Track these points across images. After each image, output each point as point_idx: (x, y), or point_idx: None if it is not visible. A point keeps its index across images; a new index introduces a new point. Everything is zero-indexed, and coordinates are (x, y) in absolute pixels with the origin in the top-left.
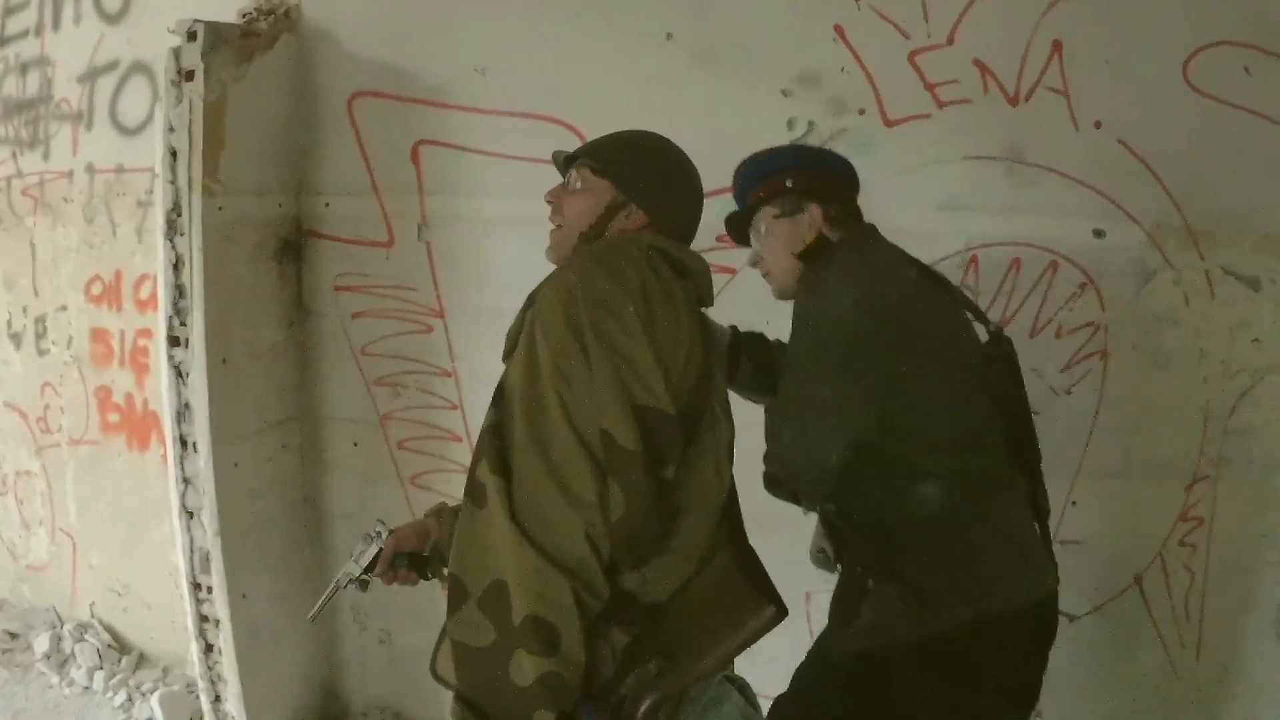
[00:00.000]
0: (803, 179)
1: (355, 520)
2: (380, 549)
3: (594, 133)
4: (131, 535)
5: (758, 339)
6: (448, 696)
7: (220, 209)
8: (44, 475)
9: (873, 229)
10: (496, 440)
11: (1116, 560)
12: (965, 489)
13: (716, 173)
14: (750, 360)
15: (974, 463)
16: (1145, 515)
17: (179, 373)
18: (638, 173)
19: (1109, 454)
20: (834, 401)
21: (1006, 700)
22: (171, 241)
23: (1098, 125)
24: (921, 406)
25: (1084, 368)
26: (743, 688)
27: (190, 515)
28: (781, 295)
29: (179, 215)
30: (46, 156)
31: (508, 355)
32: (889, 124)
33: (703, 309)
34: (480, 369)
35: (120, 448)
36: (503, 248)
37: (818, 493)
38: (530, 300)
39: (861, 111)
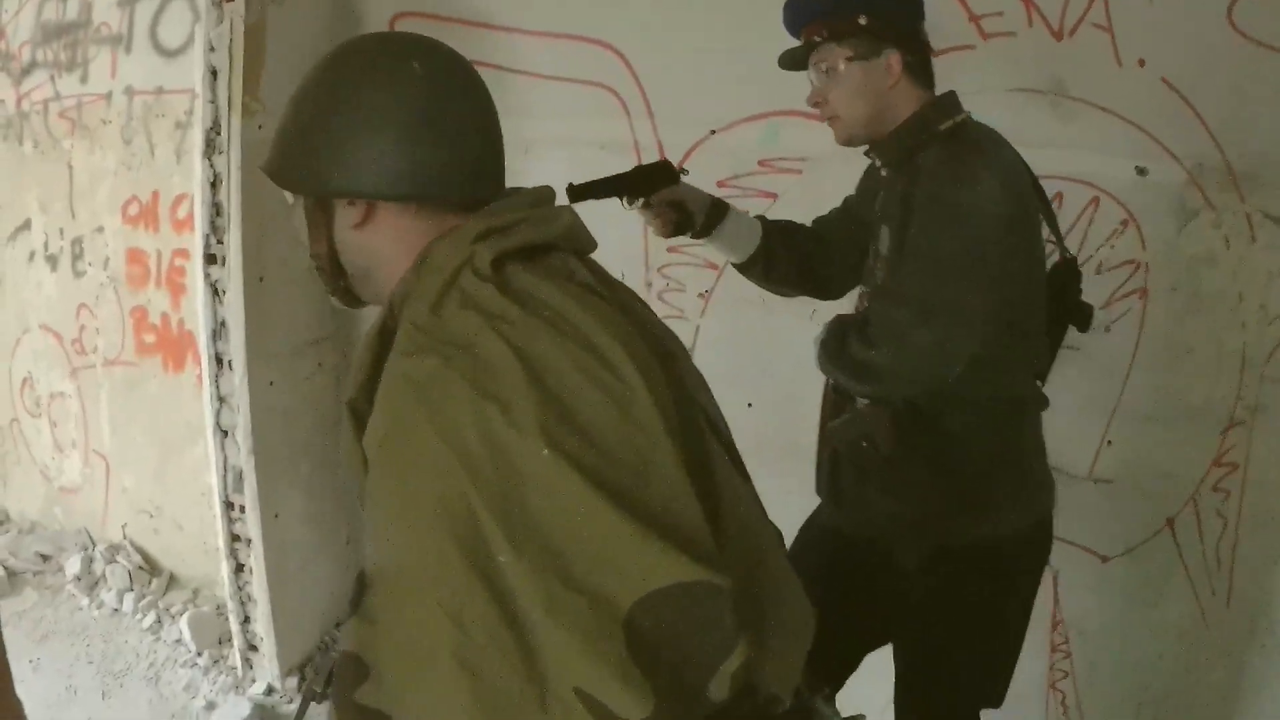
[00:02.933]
0: (878, 19)
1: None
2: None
3: (636, 55)
4: (165, 457)
5: (788, 230)
6: None
7: (259, 128)
8: (78, 397)
9: (955, 97)
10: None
11: (1149, 502)
12: (1025, 403)
13: (758, 100)
14: (785, 257)
15: (1030, 380)
16: (1179, 458)
17: (215, 291)
18: (321, 147)
19: (1146, 394)
20: (981, 317)
21: (1023, 612)
22: (210, 160)
23: (1141, 63)
24: (1025, 320)
25: (1124, 306)
26: None
27: (224, 434)
28: (847, 142)
29: (218, 134)
30: (85, 80)
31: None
32: (932, 55)
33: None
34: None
35: (155, 369)
36: (543, 168)
37: (913, 393)
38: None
39: None
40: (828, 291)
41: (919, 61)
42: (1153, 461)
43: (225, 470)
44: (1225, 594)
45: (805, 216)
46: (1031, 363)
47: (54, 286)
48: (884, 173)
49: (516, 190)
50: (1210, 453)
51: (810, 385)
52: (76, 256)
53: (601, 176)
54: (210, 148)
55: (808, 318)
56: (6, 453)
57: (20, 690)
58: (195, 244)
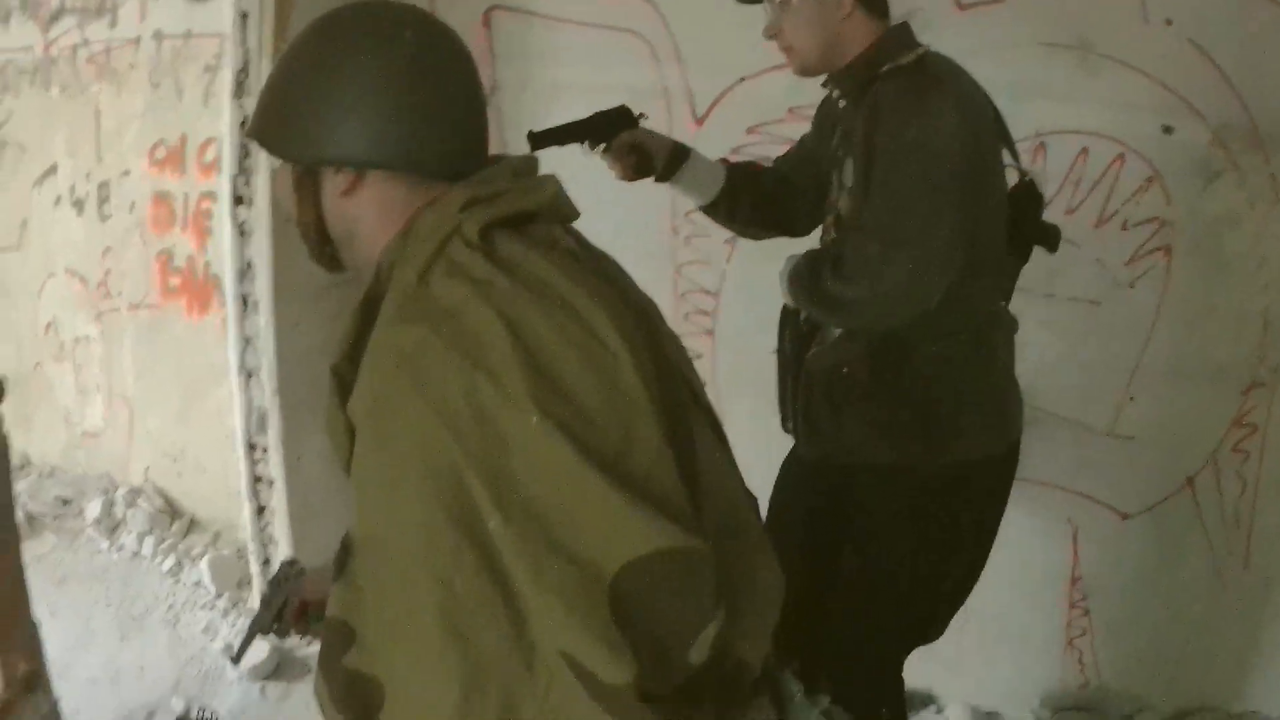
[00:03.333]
0: None
1: None
2: (286, 598)
3: (667, 1)
4: (188, 400)
5: (750, 172)
6: None
7: None
8: (102, 341)
9: (910, 28)
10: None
11: (1170, 460)
12: (996, 327)
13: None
14: (750, 195)
15: (997, 303)
16: (1200, 417)
17: (242, 231)
18: (308, 116)
19: (1168, 351)
20: (947, 246)
21: (982, 537)
22: (239, 102)
23: (1168, 23)
24: (985, 247)
25: (1148, 263)
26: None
27: (249, 375)
28: (802, 73)
29: (247, 76)
30: (113, 24)
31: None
32: (961, 8)
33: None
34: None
35: (179, 313)
36: (571, 114)
37: (890, 325)
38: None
39: None
40: (794, 230)
41: None
42: (1174, 419)
43: (249, 412)
44: (1243, 555)
45: None
46: (998, 287)
47: (80, 230)
48: (841, 104)
49: (500, 158)
50: (1231, 413)
51: None
52: (103, 200)
53: (560, 124)
54: (240, 90)
55: None
56: (29, 397)
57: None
58: (223, 186)
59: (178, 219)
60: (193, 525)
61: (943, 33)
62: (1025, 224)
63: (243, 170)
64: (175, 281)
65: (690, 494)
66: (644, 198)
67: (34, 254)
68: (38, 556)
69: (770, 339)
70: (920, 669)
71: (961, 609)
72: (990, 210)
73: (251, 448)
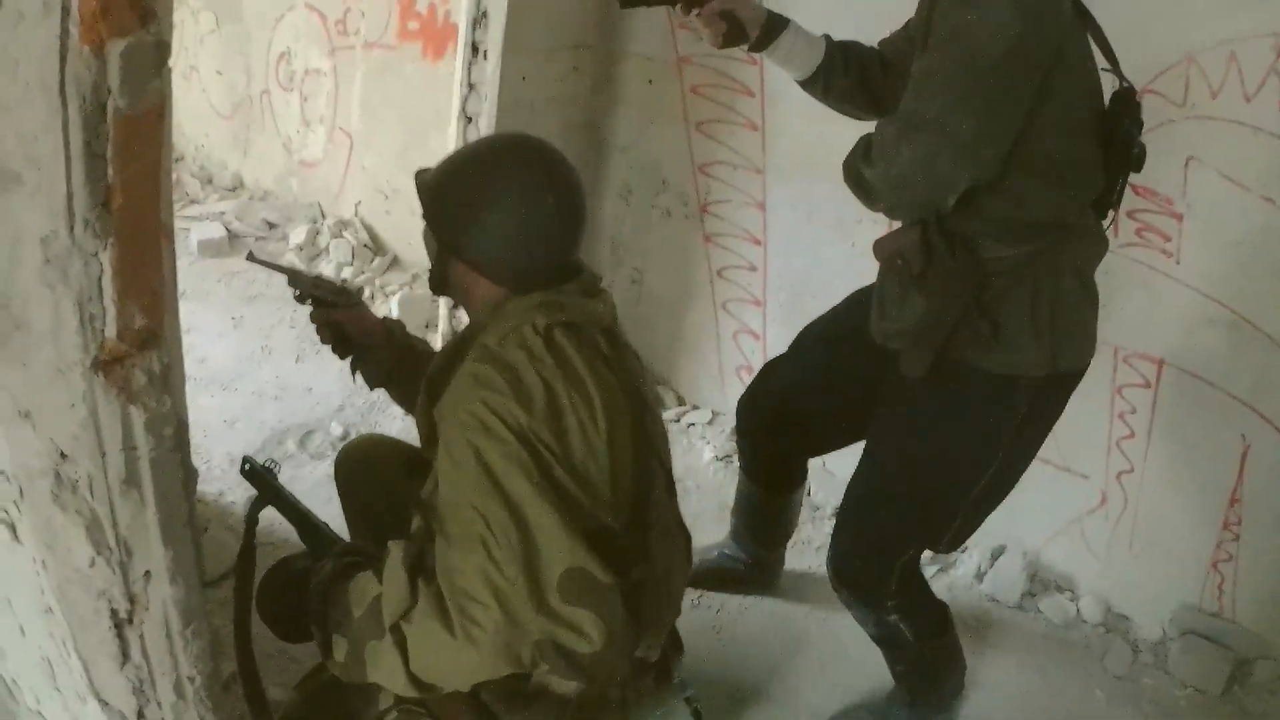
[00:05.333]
0: None
1: (631, 154)
2: (335, 299)
3: None
4: (409, 141)
5: (850, 49)
6: (676, 352)
7: None
8: (333, 75)
9: None
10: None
11: None
12: (1068, 238)
13: None
14: (846, 75)
15: (1078, 216)
16: None
17: None
18: (464, 221)
19: None
20: (972, 138)
21: (1011, 459)
22: None
23: None
24: (1045, 151)
25: None
26: (698, 713)
27: (469, 120)
28: None
29: None
30: None
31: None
32: None
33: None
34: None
35: (414, 55)
36: None
37: (914, 216)
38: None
39: None
40: (887, 113)
41: None
42: None
43: None
44: None
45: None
46: (1075, 198)
47: None
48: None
49: (579, 272)
50: None
51: None
52: None
53: None
54: None
55: None
56: (252, 121)
57: (219, 342)
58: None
59: None
60: (394, 263)
61: None
62: (1114, 134)
63: None
64: (414, 24)
65: (642, 536)
66: None
67: None
68: (233, 272)
69: None
70: (1065, 552)
71: (1121, 495)
72: (1053, 112)
73: None
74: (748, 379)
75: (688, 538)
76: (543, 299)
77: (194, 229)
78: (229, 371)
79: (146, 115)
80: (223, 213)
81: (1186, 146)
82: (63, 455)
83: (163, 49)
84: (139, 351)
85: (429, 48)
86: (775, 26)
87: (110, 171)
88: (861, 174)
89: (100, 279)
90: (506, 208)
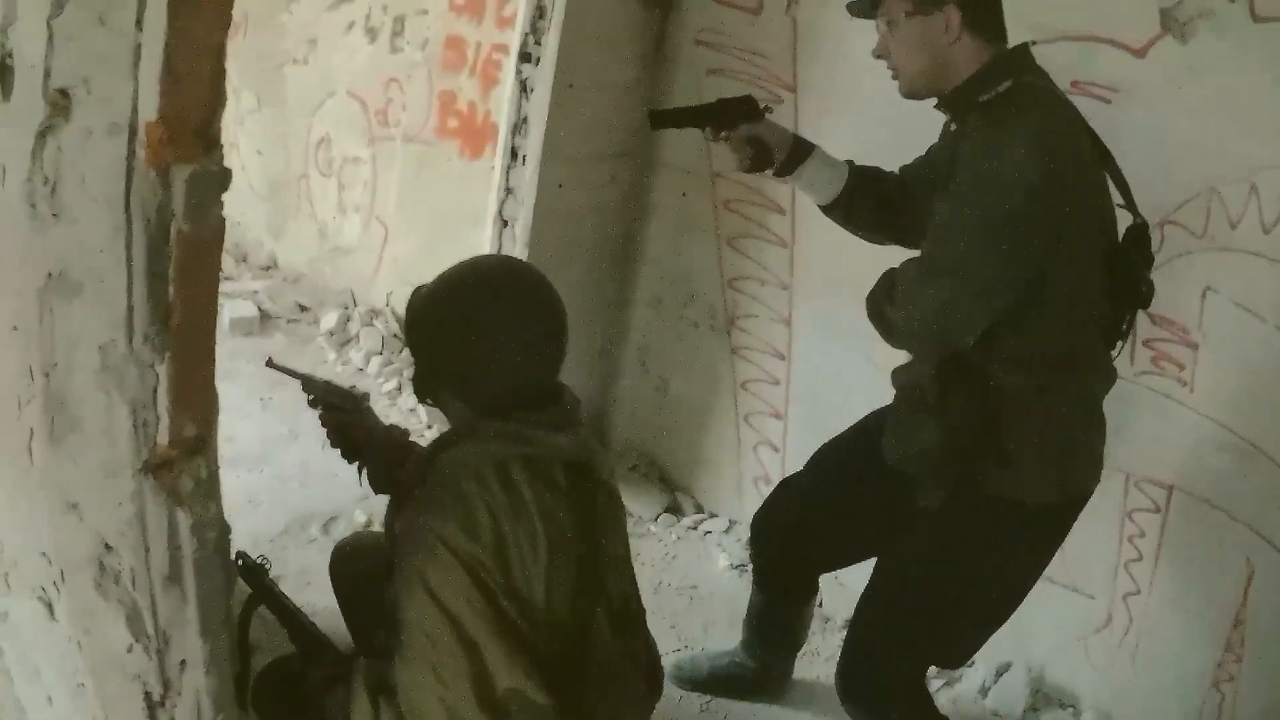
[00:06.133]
0: None
1: (663, 265)
2: (344, 404)
3: None
4: (443, 234)
5: (872, 175)
6: (697, 460)
7: None
8: (371, 164)
9: (1026, 53)
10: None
11: None
12: (1077, 369)
13: (1085, 20)
14: (867, 202)
15: (1084, 348)
16: None
17: (524, 88)
18: (436, 347)
19: None
20: (991, 284)
21: (1017, 585)
22: None
23: None
24: (1058, 288)
25: None
26: None
27: (505, 224)
28: (909, 95)
29: None
30: None
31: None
32: (1256, 19)
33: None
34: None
35: (452, 151)
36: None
37: (935, 355)
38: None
39: None
40: (907, 240)
41: (984, 15)
42: None
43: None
44: None
45: (1110, 148)
46: (1087, 326)
47: (367, 57)
48: (953, 128)
49: (558, 398)
50: None
51: None
52: (396, 34)
53: (683, 105)
54: None
55: None
56: (289, 203)
57: (247, 424)
58: (514, 40)
59: (467, 63)
60: None
61: (1235, 42)
62: (1124, 271)
63: (534, 30)
64: (454, 121)
65: (580, 669)
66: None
67: (318, 72)
68: (264, 353)
69: None
70: (1069, 669)
71: (1126, 616)
72: (1068, 251)
73: None
74: (766, 490)
75: (651, 677)
76: (505, 429)
77: (227, 306)
78: (255, 452)
79: (208, 239)
80: (256, 291)
81: (1204, 277)
82: (107, 547)
83: (225, 176)
84: (188, 458)
85: (467, 145)
86: (800, 152)
87: (171, 290)
88: (884, 312)
89: (155, 389)
90: (478, 337)
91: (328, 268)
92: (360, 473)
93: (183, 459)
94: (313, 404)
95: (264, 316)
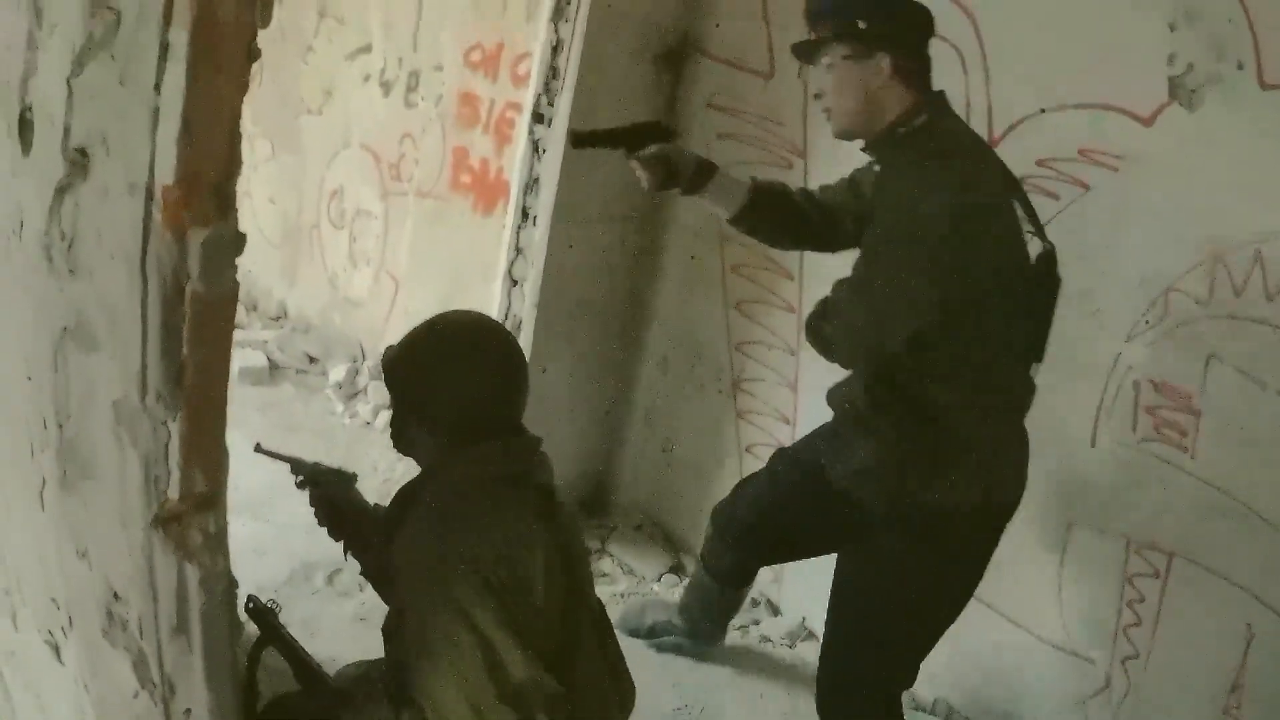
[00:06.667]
0: (877, 23)
1: (670, 326)
2: (332, 480)
3: (989, 20)
4: (453, 290)
5: (777, 193)
6: (701, 521)
7: (609, 5)
8: (384, 218)
9: (943, 97)
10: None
11: None
12: (993, 382)
13: (1093, 87)
14: (773, 212)
15: (1001, 370)
16: None
17: (536, 148)
18: (416, 386)
19: None
20: (915, 298)
21: (952, 591)
22: (556, 25)
23: None
24: (979, 306)
25: None
26: None
27: (514, 283)
28: (840, 135)
29: (568, 2)
30: None
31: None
32: (1264, 86)
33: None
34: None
35: (465, 207)
36: None
37: (867, 367)
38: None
39: (1240, 66)
40: (826, 248)
41: (916, 67)
42: None
43: (506, 316)
44: None
45: (1115, 213)
46: (1004, 343)
47: (383, 111)
48: (876, 169)
49: (520, 435)
50: None
51: (1081, 379)
52: (410, 89)
53: (602, 128)
54: (558, 14)
55: (1091, 318)
56: (301, 253)
57: (253, 470)
58: (527, 99)
59: (481, 120)
60: None
61: (1244, 109)
62: (1038, 292)
63: (548, 91)
64: (466, 177)
65: (569, 672)
66: None
67: (333, 123)
68: (272, 403)
69: None
70: None
71: (1125, 680)
72: (981, 274)
73: None
74: None
75: (625, 686)
76: (481, 452)
77: (237, 355)
78: (261, 500)
79: (222, 300)
80: (265, 341)
81: (1208, 345)
82: (116, 595)
83: (240, 240)
84: (198, 513)
85: (480, 201)
86: (706, 172)
87: (185, 350)
88: (820, 328)
89: (167, 444)
90: (454, 373)
91: (338, 318)
92: (345, 552)
93: (192, 514)
94: (301, 485)
95: (273, 366)
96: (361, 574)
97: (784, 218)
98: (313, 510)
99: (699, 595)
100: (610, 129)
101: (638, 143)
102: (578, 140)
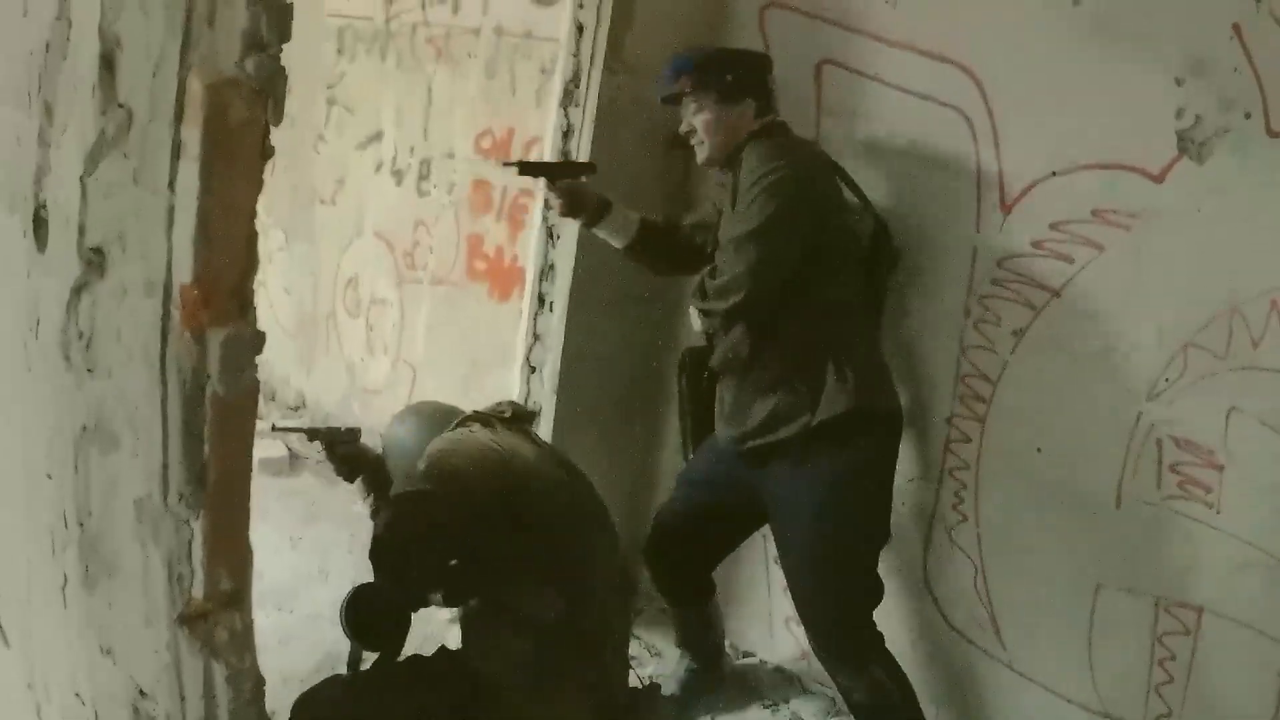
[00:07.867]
0: (741, 76)
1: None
2: (343, 437)
3: (992, 80)
4: (471, 377)
5: (660, 228)
6: (726, 600)
7: (618, 88)
8: (399, 306)
9: (784, 124)
10: None
11: None
12: (849, 309)
13: (1106, 148)
14: (659, 244)
15: (851, 300)
16: None
17: (550, 234)
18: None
19: None
20: (781, 248)
21: (880, 493)
22: (566, 110)
23: None
24: (831, 253)
25: None
26: None
27: (533, 369)
28: (707, 163)
29: (577, 87)
30: (455, 11)
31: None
32: (1272, 134)
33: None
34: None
35: (480, 294)
36: (869, 174)
37: (753, 312)
38: None
39: (1247, 115)
40: (691, 271)
41: (768, 103)
42: None
43: (526, 402)
44: None
45: (1129, 272)
46: (847, 286)
47: (395, 199)
48: (726, 180)
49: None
50: None
51: (1103, 440)
52: (422, 177)
53: (540, 160)
54: (568, 99)
55: (1110, 379)
56: (317, 341)
57: (276, 562)
58: (539, 186)
59: (494, 207)
60: None
61: (1252, 157)
62: (879, 248)
63: None
64: (481, 264)
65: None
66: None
67: (346, 212)
68: (293, 492)
69: (1033, 437)
70: None
71: None
72: (829, 233)
73: None
74: (798, 630)
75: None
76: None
77: (256, 446)
78: (285, 591)
79: (243, 399)
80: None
81: (1229, 398)
82: (142, 693)
83: (259, 339)
84: (223, 610)
85: (495, 288)
86: (602, 208)
87: (207, 450)
88: (708, 287)
89: (190, 543)
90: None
91: (356, 406)
92: (362, 495)
93: (218, 611)
94: (314, 443)
95: (292, 457)
96: (371, 516)
97: (667, 248)
98: (332, 466)
99: (679, 626)
100: (544, 161)
101: (558, 174)
102: (522, 169)
